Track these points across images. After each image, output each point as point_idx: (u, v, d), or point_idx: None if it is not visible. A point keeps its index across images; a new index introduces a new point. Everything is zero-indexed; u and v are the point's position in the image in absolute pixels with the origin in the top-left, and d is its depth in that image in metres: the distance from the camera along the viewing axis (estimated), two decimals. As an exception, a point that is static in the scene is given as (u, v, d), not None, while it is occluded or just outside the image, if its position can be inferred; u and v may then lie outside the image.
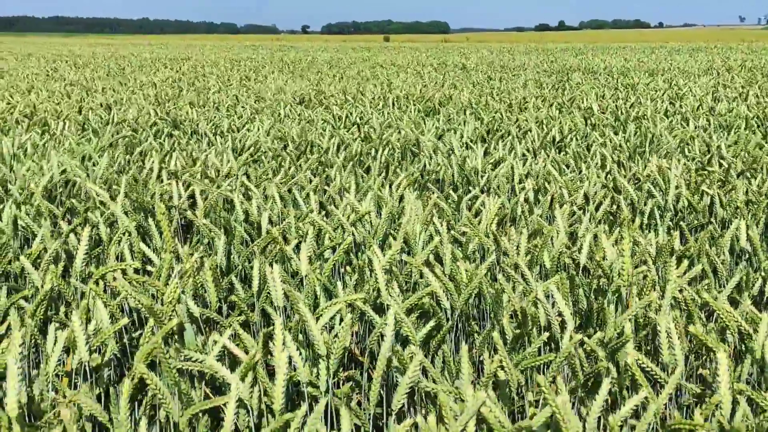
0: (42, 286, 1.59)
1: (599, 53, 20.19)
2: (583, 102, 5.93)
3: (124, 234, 1.83)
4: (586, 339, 1.42)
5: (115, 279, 1.42)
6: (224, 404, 1.20)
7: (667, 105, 5.64)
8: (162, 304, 1.42)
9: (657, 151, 3.69)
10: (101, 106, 5.65)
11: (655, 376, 1.29)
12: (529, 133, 4.15)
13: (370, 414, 1.35)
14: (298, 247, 1.97)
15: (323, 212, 2.43)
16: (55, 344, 1.29)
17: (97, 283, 1.62)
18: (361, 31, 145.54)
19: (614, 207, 2.55)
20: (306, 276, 1.57)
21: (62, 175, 2.84)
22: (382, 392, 1.45)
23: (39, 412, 1.28)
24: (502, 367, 1.29)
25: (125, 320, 1.34)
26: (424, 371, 1.46)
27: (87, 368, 1.37)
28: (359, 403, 1.64)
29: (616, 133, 4.28)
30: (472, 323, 1.74)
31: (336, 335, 1.33)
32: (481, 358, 1.64)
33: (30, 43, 34.26)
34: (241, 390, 1.19)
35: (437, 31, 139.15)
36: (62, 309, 1.64)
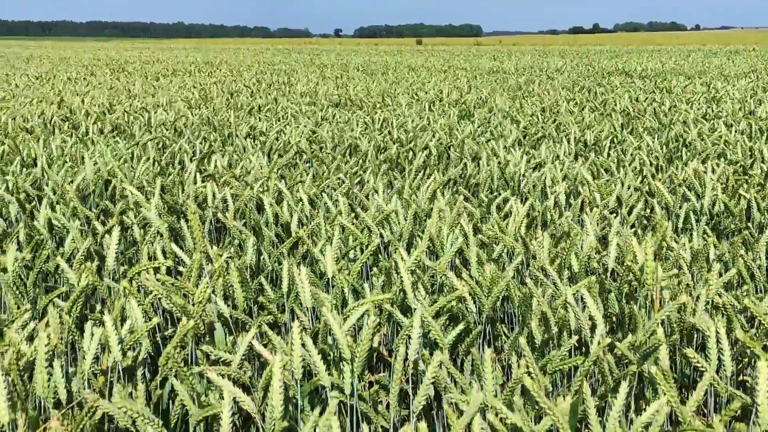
0: (77, 284, 1.61)
1: (634, 56, 19.96)
2: (618, 105, 5.86)
3: (156, 235, 1.86)
4: (616, 343, 1.41)
5: (147, 279, 1.44)
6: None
7: (705, 108, 5.55)
8: (192, 304, 1.44)
9: (694, 154, 3.64)
10: (136, 110, 5.73)
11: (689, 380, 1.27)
12: (564, 137, 4.11)
13: (391, 417, 1.35)
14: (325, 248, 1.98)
15: (353, 214, 2.44)
16: (90, 342, 1.31)
17: (130, 282, 1.64)
18: (394, 35, 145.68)
19: (647, 211, 2.51)
20: (333, 277, 1.58)
21: (96, 175, 2.89)
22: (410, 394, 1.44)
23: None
24: (529, 372, 1.27)
25: (156, 320, 1.35)
26: (451, 375, 1.45)
27: (121, 367, 1.39)
28: (388, 406, 1.64)
29: (651, 137, 4.22)
30: (500, 327, 1.73)
31: (360, 338, 1.33)
32: (509, 362, 1.63)
33: (68, 47, 34.91)
34: (236, 395, 1.19)
35: (469, 35, 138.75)
36: (98, 307, 1.67)
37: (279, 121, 5.11)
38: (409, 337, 1.32)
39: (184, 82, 9.38)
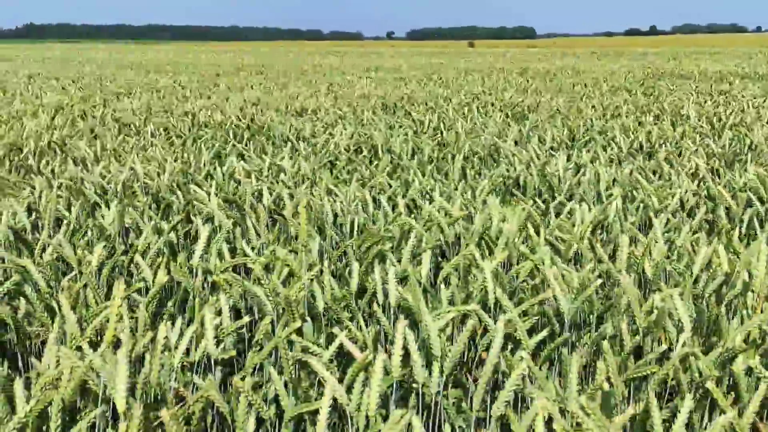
0: (152, 281, 1.66)
1: (693, 58, 19.53)
2: (675, 108, 5.76)
3: (221, 231, 1.90)
4: (697, 352, 1.37)
5: (231, 277, 1.48)
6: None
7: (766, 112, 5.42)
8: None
9: (757, 158, 3.55)
10: (187, 113, 5.84)
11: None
12: (615, 139, 4.07)
13: (471, 419, 1.36)
14: (392, 248, 2.00)
15: (411, 215, 2.45)
16: (180, 337, 1.34)
17: (204, 277, 1.68)
18: (446, 37, 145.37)
19: (708, 215, 2.47)
20: (406, 277, 1.60)
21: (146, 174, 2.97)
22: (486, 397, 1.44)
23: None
24: (609, 378, 1.26)
25: (247, 318, 1.40)
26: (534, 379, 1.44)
27: (204, 362, 1.43)
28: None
29: (709, 141, 4.14)
30: (584, 330, 1.72)
31: (452, 340, 1.35)
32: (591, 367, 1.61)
33: (128, 51, 35.78)
34: (337, 392, 1.21)
35: (522, 37, 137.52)
36: (169, 303, 1.71)
37: (325, 125, 5.16)
38: (491, 341, 1.33)
39: (236, 84, 9.53)
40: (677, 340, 1.44)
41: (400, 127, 4.87)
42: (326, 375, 1.15)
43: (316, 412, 1.18)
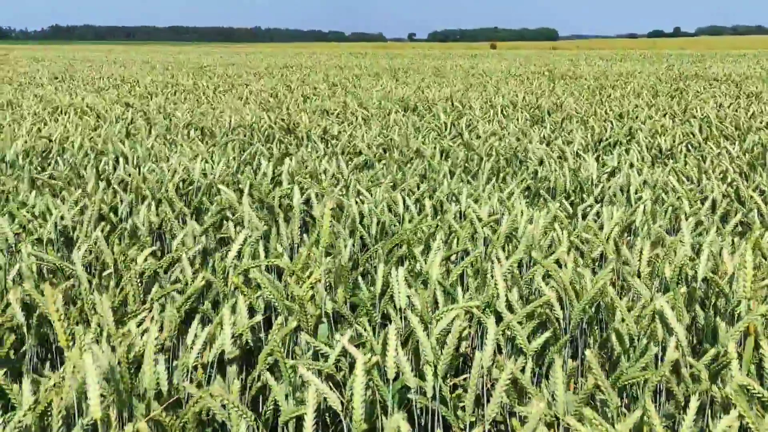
0: (190, 281, 1.69)
1: (718, 61, 19.34)
2: (699, 111, 5.71)
3: (252, 232, 1.93)
4: (690, 360, 1.38)
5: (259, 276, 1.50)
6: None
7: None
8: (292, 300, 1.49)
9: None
10: (211, 113, 5.90)
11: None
12: (640, 142, 4.05)
13: (466, 423, 1.37)
14: (422, 250, 2.01)
15: (438, 217, 2.46)
16: (196, 338, 1.37)
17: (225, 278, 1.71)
18: (468, 39, 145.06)
19: (737, 217, 2.45)
20: (430, 279, 1.61)
21: (183, 174, 3.01)
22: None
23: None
24: (598, 386, 1.27)
25: (259, 317, 1.42)
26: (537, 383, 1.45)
27: (227, 358, 1.45)
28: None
29: (734, 143, 4.11)
30: (594, 332, 1.73)
31: (445, 343, 1.36)
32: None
33: (153, 51, 36.10)
34: (324, 392, 1.23)
35: (545, 38, 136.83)
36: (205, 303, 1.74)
37: (351, 124, 5.18)
38: (482, 344, 1.35)
39: (261, 86, 9.59)
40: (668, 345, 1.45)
41: (431, 128, 4.88)
42: (311, 378, 1.17)
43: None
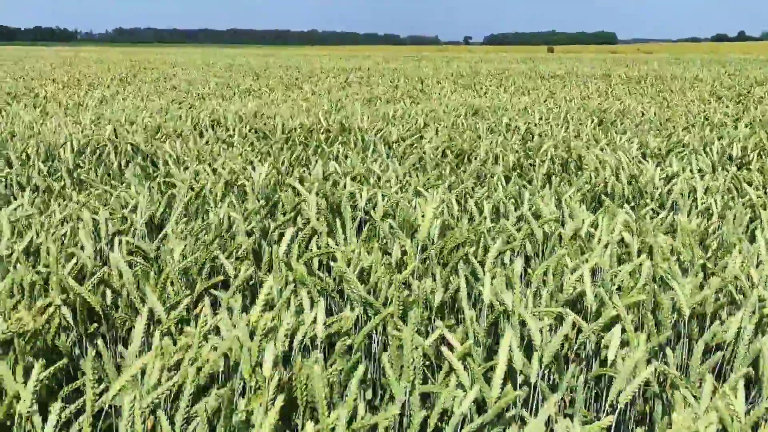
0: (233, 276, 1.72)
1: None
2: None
3: (318, 233, 1.95)
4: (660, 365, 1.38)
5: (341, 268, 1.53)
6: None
7: None
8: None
9: None
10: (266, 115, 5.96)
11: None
12: (707, 148, 3.95)
13: None
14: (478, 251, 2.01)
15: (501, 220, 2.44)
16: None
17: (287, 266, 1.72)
18: (524, 42, 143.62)
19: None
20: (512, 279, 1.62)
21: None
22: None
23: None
24: None
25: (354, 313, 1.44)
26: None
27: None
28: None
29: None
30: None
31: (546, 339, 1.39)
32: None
33: (211, 53, 36.78)
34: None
35: (603, 42, 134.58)
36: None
37: (409, 129, 5.17)
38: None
39: (319, 88, 9.68)
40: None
41: (488, 132, 4.85)
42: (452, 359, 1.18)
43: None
